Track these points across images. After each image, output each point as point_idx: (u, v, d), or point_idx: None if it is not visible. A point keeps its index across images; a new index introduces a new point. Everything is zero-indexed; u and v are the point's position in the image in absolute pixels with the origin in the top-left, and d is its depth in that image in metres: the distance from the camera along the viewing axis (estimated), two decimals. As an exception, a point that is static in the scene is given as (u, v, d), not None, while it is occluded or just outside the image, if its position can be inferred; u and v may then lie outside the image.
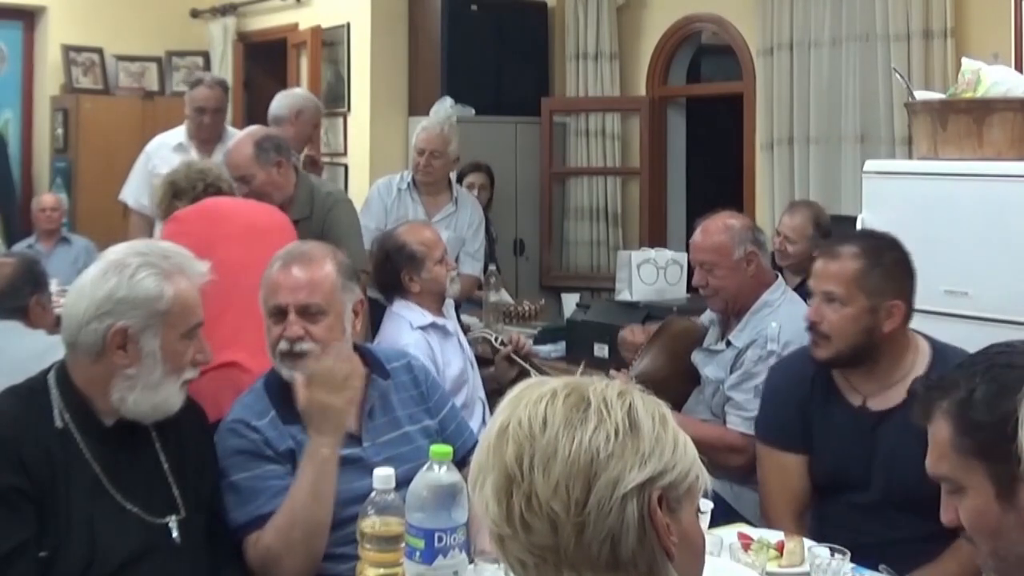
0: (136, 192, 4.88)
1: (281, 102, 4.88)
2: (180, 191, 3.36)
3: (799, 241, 4.30)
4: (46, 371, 2.11)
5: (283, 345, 2.34)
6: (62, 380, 2.09)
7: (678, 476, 1.23)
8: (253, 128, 4.04)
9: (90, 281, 2.07)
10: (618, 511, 1.19)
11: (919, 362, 2.51)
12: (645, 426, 1.23)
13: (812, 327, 2.54)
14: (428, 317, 3.45)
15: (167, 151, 4.81)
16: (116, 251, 2.14)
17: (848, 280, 2.50)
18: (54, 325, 3.00)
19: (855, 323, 2.49)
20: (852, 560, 2.13)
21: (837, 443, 2.54)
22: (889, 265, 2.53)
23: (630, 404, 1.24)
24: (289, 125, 4.73)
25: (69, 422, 2.05)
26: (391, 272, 3.48)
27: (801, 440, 2.62)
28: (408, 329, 3.38)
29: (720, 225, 3.20)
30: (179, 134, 4.94)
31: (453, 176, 5.08)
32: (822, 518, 2.63)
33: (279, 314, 2.36)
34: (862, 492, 2.49)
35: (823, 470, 2.60)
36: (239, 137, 3.97)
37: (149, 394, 2.08)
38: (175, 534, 2.12)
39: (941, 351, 2.53)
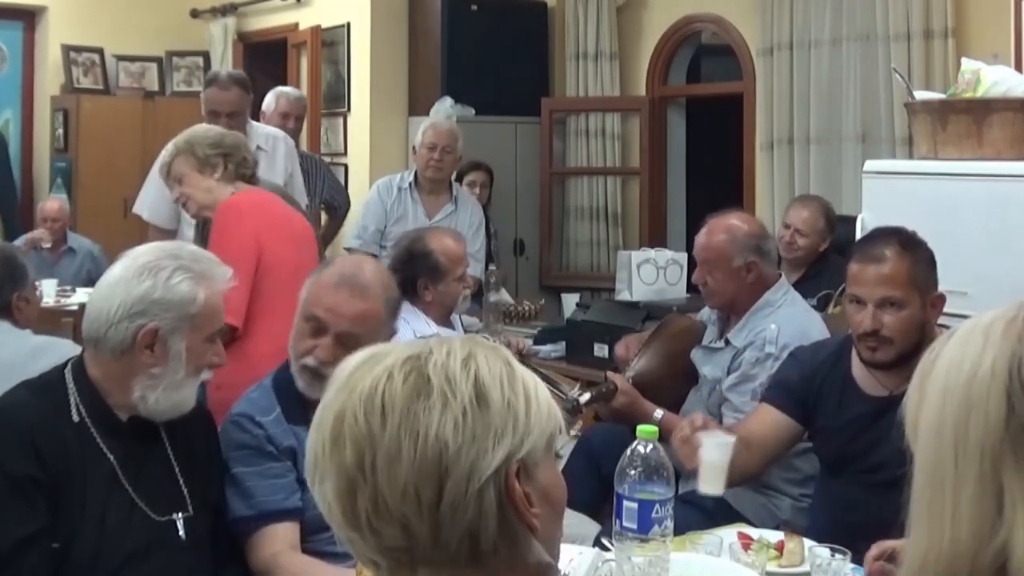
0: (153, 204, 4.31)
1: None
2: (200, 162, 3.19)
3: (810, 234, 4.29)
4: (62, 366, 2.14)
5: (311, 362, 2.33)
6: (79, 375, 2.11)
7: (536, 439, 1.11)
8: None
9: (122, 280, 2.09)
10: (475, 504, 1.07)
11: None
12: (494, 396, 1.10)
13: (871, 335, 2.48)
14: (433, 327, 3.43)
15: None
16: (145, 252, 2.16)
17: (904, 281, 2.47)
18: (38, 319, 2.95)
19: (912, 322, 2.46)
20: (856, 542, 2.12)
21: (851, 430, 2.53)
22: (928, 257, 2.52)
23: (475, 373, 1.11)
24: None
25: (85, 416, 2.08)
26: (409, 275, 3.45)
27: (801, 410, 2.63)
28: (413, 339, 3.37)
29: (725, 227, 3.15)
30: None
31: (452, 175, 5.08)
32: (825, 496, 2.65)
33: (318, 328, 2.34)
34: (872, 472, 2.48)
35: (831, 451, 2.59)
36: None
37: (170, 393, 2.11)
38: (181, 531, 2.13)
39: None
